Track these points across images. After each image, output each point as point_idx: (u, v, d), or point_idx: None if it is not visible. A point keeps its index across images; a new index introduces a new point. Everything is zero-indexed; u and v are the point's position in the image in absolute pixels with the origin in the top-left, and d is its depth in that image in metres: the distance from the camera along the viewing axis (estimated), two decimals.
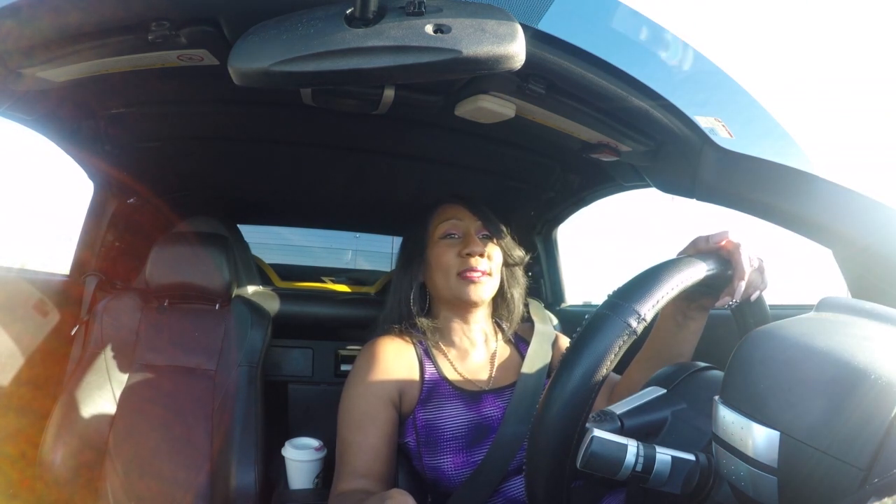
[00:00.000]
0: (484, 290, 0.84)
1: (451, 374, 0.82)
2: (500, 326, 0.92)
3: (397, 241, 1.76)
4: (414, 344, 0.84)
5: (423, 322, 0.86)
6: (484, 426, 0.77)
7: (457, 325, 0.87)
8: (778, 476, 0.35)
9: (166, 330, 1.17)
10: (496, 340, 0.90)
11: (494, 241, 0.87)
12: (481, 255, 0.83)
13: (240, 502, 1.00)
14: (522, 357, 0.87)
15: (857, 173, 0.57)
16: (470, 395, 0.80)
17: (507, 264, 0.90)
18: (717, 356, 0.54)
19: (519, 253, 0.91)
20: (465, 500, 0.73)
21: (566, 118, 0.70)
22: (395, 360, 0.81)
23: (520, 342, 0.91)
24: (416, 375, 0.81)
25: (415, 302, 0.87)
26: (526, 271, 0.97)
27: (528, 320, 0.95)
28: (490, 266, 0.85)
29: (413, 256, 0.89)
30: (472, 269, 0.82)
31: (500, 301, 0.92)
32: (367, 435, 0.75)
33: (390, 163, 1.20)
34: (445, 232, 0.86)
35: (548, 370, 0.86)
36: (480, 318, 0.88)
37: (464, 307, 0.85)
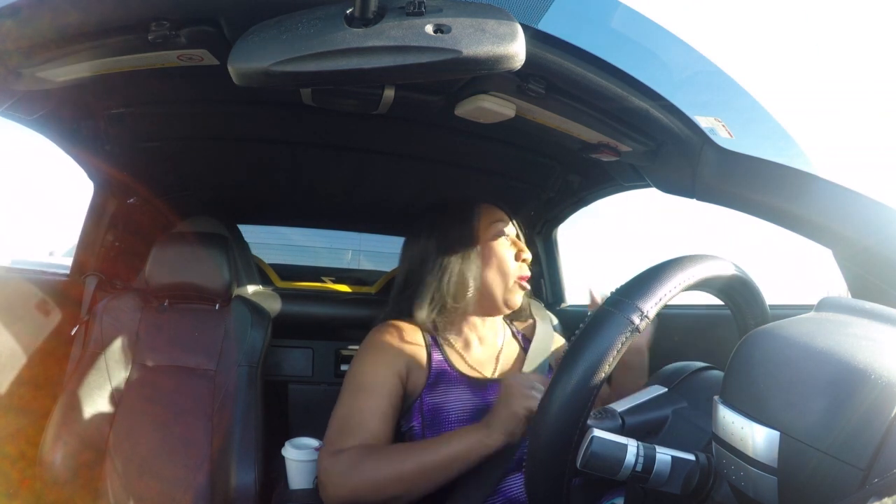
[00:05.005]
0: (521, 296, 0.89)
1: (458, 363, 0.84)
2: (507, 323, 0.95)
3: (393, 241, 1.77)
4: (422, 332, 0.86)
5: (436, 315, 0.87)
6: (488, 412, 0.78)
7: (473, 320, 0.88)
8: (778, 476, 0.35)
9: (166, 330, 1.17)
10: (503, 335, 0.92)
11: None
12: (528, 263, 0.89)
13: (240, 502, 1.00)
14: (525, 353, 0.90)
15: (857, 173, 0.57)
16: (476, 382, 0.82)
17: None
18: (717, 356, 0.54)
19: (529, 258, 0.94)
20: (466, 496, 0.73)
21: (566, 118, 0.70)
22: (405, 341, 0.84)
23: (524, 339, 0.94)
24: (423, 359, 0.83)
25: (466, 295, 0.85)
26: None
27: (530, 317, 0.98)
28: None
29: (465, 249, 0.87)
30: (525, 277, 0.87)
31: None
32: (377, 400, 0.76)
33: (390, 163, 1.20)
34: (499, 231, 0.88)
35: (547, 366, 0.87)
36: (499, 316, 0.92)
37: (502, 308, 0.88)
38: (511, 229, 0.90)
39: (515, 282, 0.86)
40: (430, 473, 0.67)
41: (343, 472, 0.69)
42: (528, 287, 0.88)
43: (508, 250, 0.87)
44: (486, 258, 0.87)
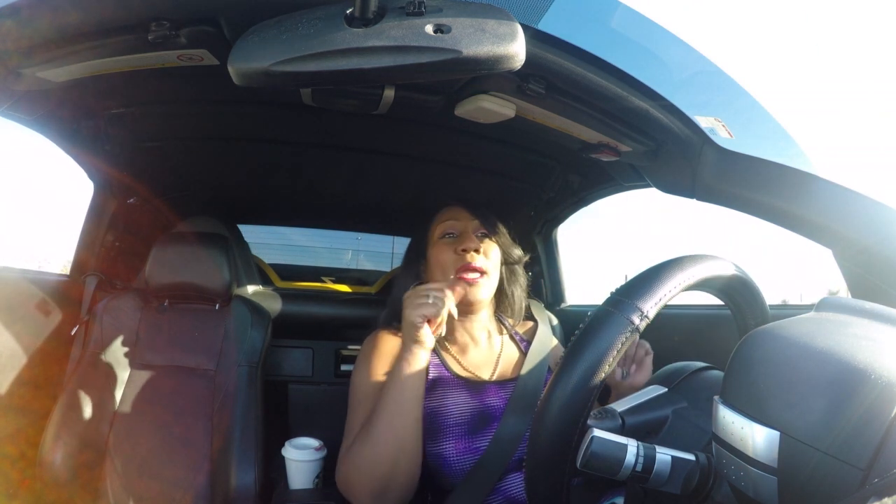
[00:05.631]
0: (481, 291, 0.84)
1: (454, 366, 0.84)
2: (503, 324, 0.94)
3: (397, 241, 1.77)
4: None
5: None
6: (487, 414, 0.79)
7: (458, 324, 0.88)
8: (778, 476, 0.35)
9: (166, 330, 1.17)
10: (500, 337, 0.91)
11: (492, 239, 0.88)
12: (477, 251, 0.84)
13: (240, 502, 1.00)
14: (524, 355, 0.88)
15: (857, 173, 0.57)
16: (474, 384, 0.82)
17: (507, 263, 0.91)
18: (717, 356, 0.54)
19: (517, 252, 0.92)
20: (465, 496, 0.73)
21: (566, 118, 0.70)
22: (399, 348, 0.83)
23: (522, 341, 0.93)
24: None
25: None
26: (526, 271, 0.97)
27: (531, 319, 0.97)
28: (487, 264, 0.84)
29: (415, 257, 0.91)
30: (469, 267, 0.82)
31: (501, 299, 0.94)
32: None
33: (390, 163, 1.20)
34: (444, 231, 0.88)
35: (546, 368, 0.87)
36: (482, 317, 0.89)
37: (462, 308, 0.86)
38: (465, 226, 0.87)
39: (455, 274, 0.82)
40: (394, 413, 0.70)
41: (348, 469, 0.70)
42: (475, 282, 0.82)
43: (448, 246, 0.85)
44: (431, 259, 0.87)
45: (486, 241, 0.87)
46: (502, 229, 0.91)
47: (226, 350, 1.16)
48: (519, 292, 0.95)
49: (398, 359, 0.72)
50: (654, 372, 0.60)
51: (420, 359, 0.71)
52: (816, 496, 0.34)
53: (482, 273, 0.84)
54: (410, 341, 0.71)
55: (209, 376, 1.14)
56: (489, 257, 0.86)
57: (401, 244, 1.79)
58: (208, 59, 0.62)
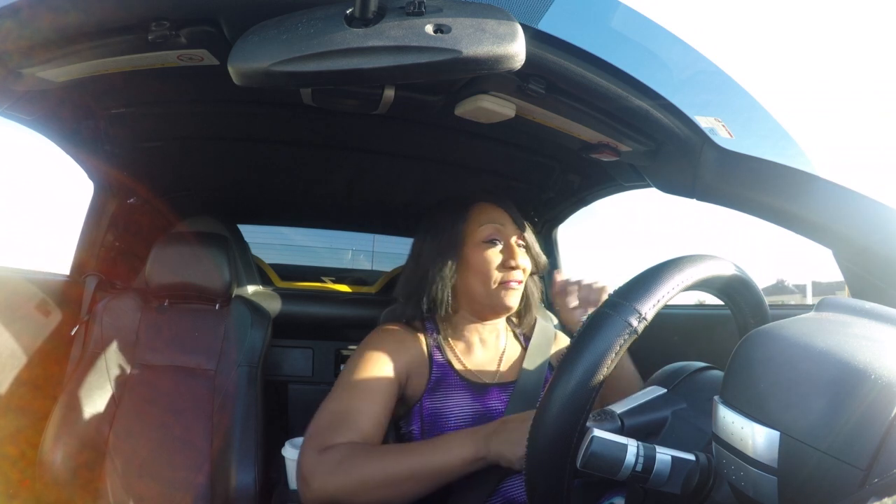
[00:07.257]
0: (517, 297, 0.84)
1: (459, 367, 0.83)
2: (511, 325, 0.93)
3: (393, 241, 1.77)
4: (424, 334, 0.85)
5: (438, 316, 0.85)
6: (487, 418, 0.78)
7: (472, 324, 0.87)
8: (778, 476, 0.35)
9: (166, 330, 1.17)
10: (507, 339, 0.91)
11: (527, 251, 0.87)
12: (522, 269, 0.84)
13: (240, 502, 1.00)
14: (525, 352, 0.88)
15: (857, 173, 0.57)
16: (476, 386, 0.81)
17: (531, 273, 0.90)
18: (717, 356, 0.54)
19: (543, 261, 0.91)
20: (465, 498, 0.73)
21: (566, 118, 0.70)
22: (406, 344, 0.82)
23: (525, 340, 0.92)
24: (424, 363, 0.81)
25: (450, 301, 0.84)
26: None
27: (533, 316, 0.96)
28: (524, 276, 0.85)
29: (447, 253, 0.84)
30: (514, 281, 0.83)
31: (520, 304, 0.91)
32: (373, 402, 0.73)
33: (390, 163, 1.20)
34: (489, 236, 0.83)
35: (547, 366, 0.87)
36: (498, 319, 0.89)
37: (493, 313, 0.85)
38: (508, 231, 0.85)
39: (500, 286, 0.82)
40: (422, 480, 0.64)
41: (330, 470, 0.65)
42: (515, 288, 0.83)
43: (494, 257, 0.82)
44: (469, 264, 0.83)
45: (526, 252, 0.87)
46: (534, 238, 0.90)
47: (226, 350, 1.16)
48: (537, 299, 0.94)
49: (469, 444, 0.65)
50: (654, 372, 0.60)
51: (492, 464, 0.65)
52: (816, 496, 0.34)
53: (520, 283, 0.84)
54: (500, 459, 0.63)
55: (209, 376, 1.14)
56: (526, 272, 0.86)
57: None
58: (208, 59, 0.62)
